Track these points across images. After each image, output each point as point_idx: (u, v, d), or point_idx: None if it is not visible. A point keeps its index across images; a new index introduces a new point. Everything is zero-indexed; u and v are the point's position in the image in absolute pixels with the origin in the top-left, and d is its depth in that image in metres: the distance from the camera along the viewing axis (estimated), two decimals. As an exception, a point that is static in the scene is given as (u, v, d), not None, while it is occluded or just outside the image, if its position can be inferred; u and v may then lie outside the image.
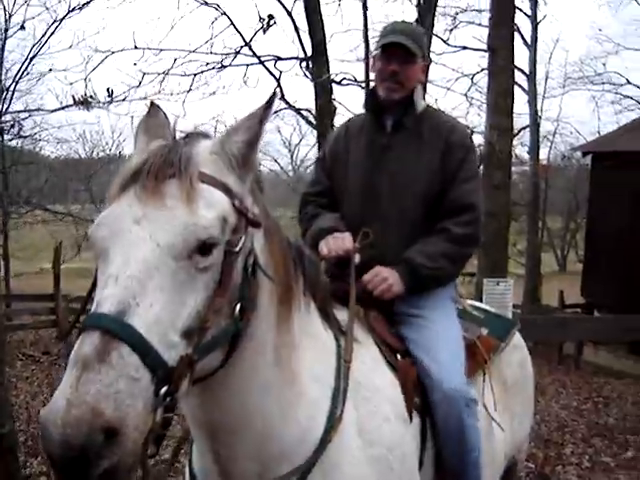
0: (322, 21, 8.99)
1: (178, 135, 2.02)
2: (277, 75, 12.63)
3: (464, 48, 22.96)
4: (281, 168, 55.75)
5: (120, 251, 1.68)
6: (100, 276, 1.71)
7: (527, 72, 25.36)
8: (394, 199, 2.95)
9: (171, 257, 1.69)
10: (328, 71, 7.61)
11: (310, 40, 7.66)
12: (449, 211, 2.92)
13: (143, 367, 1.57)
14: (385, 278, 2.78)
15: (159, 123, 2.05)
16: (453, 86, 29.50)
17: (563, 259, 40.49)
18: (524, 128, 26.17)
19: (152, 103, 2.12)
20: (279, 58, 12.15)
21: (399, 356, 2.70)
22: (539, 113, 26.45)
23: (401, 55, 2.94)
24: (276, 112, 22.13)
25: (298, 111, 16.85)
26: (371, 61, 3.16)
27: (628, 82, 28.83)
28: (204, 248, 1.74)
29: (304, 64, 10.26)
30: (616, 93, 29.82)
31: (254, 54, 12.59)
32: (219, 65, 12.34)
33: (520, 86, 24.11)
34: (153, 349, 1.60)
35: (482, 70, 20.59)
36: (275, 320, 2.10)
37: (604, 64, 30.26)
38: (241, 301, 1.89)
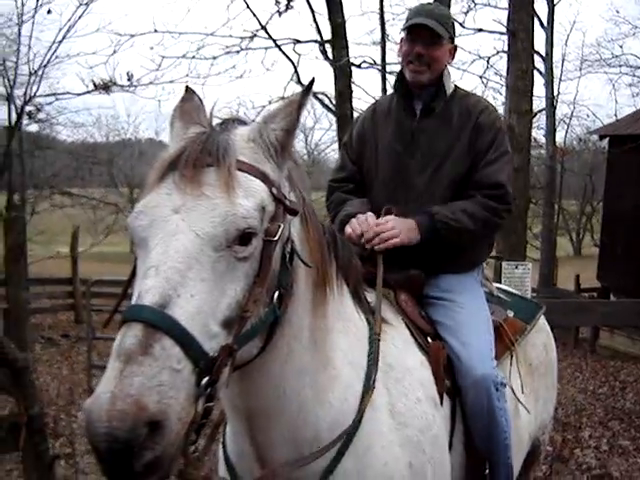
0: (342, 3, 8.96)
1: (214, 121, 2.02)
2: (294, 59, 12.63)
3: (480, 30, 22.81)
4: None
5: (160, 241, 1.68)
6: (140, 265, 1.73)
7: (543, 54, 25.14)
8: (425, 184, 2.96)
9: (211, 247, 1.69)
10: (347, 54, 7.58)
11: (329, 23, 7.62)
12: (475, 187, 2.93)
13: (185, 358, 1.58)
14: (393, 226, 2.75)
15: (194, 108, 2.03)
16: (469, 68, 29.26)
17: (578, 243, 40.31)
18: (540, 111, 25.95)
19: (187, 88, 2.11)
20: (298, 41, 12.10)
21: (429, 339, 2.72)
22: (556, 96, 26.21)
23: (427, 37, 2.92)
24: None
25: (314, 95, 16.84)
26: (399, 44, 3.14)
27: (645, 64, 28.51)
28: (243, 238, 1.74)
29: (322, 47, 10.31)
30: (633, 75, 29.46)
31: (270, 37, 12.55)
32: (237, 49, 12.30)
33: (536, 68, 23.86)
34: (195, 340, 1.61)
35: (498, 53, 20.51)
36: (311, 305, 2.12)
37: (621, 46, 29.89)
38: (279, 289, 1.90)
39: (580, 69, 31.22)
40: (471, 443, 2.71)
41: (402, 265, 2.80)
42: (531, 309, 3.45)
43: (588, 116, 32.63)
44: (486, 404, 2.67)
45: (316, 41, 11.77)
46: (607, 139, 18.19)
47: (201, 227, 1.68)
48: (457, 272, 3.00)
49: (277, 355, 2.00)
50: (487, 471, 2.75)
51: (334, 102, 8.36)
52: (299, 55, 11.94)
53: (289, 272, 1.96)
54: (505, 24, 10.28)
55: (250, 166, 1.84)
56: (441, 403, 2.58)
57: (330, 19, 7.41)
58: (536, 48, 23.34)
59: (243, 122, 2.02)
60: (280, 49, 13.36)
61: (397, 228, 2.75)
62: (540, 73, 24.77)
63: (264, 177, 1.86)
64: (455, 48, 3.09)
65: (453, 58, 3.09)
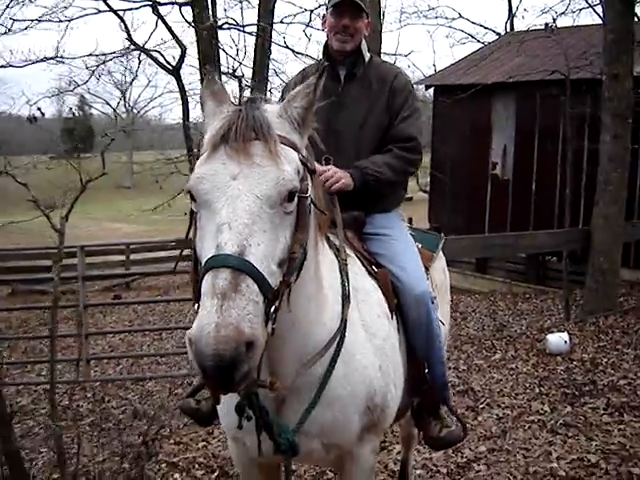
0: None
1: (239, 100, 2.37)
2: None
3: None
4: (114, 110, 54.15)
5: (226, 202, 2.04)
6: (206, 222, 2.09)
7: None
8: (351, 137, 3.39)
9: (268, 206, 2.08)
10: (213, 16, 7.67)
11: None
12: (392, 141, 3.41)
13: (260, 293, 1.97)
14: (336, 171, 3.15)
15: (220, 89, 2.38)
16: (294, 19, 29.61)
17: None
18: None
19: (209, 72, 2.44)
20: (159, 3, 11.93)
21: (374, 267, 3.16)
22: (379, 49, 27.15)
23: (351, 11, 3.37)
24: (123, 54, 21.73)
25: (147, 52, 16.59)
26: (322, 19, 3.58)
27: (460, 16, 30.14)
28: (289, 196, 2.14)
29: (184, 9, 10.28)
30: (450, 27, 31.09)
31: None
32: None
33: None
34: (265, 278, 2.00)
35: (320, 6, 21.02)
36: (314, 243, 2.49)
37: (437, -2, 31.31)
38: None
39: (400, 21, 32.37)
40: (412, 350, 3.17)
41: (344, 208, 3.20)
42: (434, 240, 3.97)
43: (409, 67, 34.14)
44: (425, 315, 3.17)
45: (176, 2, 11.67)
46: (432, 89, 19.20)
47: (259, 190, 2.07)
48: (386, 211, 3.51)
49: (298, 285, 2.32)
50: (427, 370, 3.25)
51: (199, 63, 8.42)
52: (159, 17, 11.85)
53: (310, 219, 2.35)
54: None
55: (284, 138, 2.24)
56: (392, 317, 3.04)
57: None
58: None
59: (264, 100, 2.35)
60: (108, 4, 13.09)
61: (339, 174, 3.14)
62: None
63: (294, 146, 2.27)
64: (369, 22, 3.53)
65: (368, 31, 3.52)
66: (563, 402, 6.35)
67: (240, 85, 23.65)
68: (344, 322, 2.65)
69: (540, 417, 6.01)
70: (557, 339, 8.12)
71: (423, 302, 3.17)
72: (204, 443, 6.12)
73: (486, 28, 32.67)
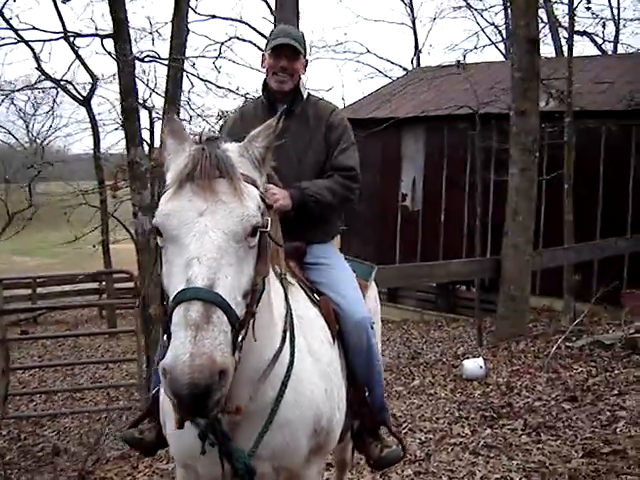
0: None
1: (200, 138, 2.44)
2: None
3: (213, 17, 23.47)
4: (16, 140, 52.56)
5: (193, 238, 2.16)
6: (174, 257, 2.20)
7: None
8: (290, 172, 3.49)
9: (234, 241, 2.21)
10: (131, 48, 7.69)
11: (111, 17, 7.62)
12: (332, 170, 3.57)
13: (229, 323, 2.09)
14: (274, 193, 3.21)
15: (180, 128, 2.50)
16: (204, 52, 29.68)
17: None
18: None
19: (169, 113, 2.57)
20: (78, 35, 11.83)
21: (315, 295, 3.29)
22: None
23: (289, 53, 3.54)
24: (34, 85, 21.35)
25: (58, 82, 16.40)
26: (261, 58, 3.72)
27: (368, 51, 30.93)
28: (253, 231, 2.27)
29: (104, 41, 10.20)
30: (357, 62, 31.85)
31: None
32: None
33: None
34: (233, 310, 2.13)
35: (231, 39, 21.25)
36: (268, 274, 2.59)
37: (345, 34, 32.12)
38: None
39: (310, 54, 32.89)
40: (353, 373, 3.29)
41: (285, 239, 3.31)
42: (367, 269, 4.12)
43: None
44: (365, 340, 3.31)
45: (98, 35, 11.59)
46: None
47: (226, 226, 2.20)
48: (324, 242, 3.66)
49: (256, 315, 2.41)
50: (367, 393, 3.39)
51: (120, 95, 8.39)
52: (77, 47, 11.76)
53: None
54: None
55: (247, 176, 2.40)
56: (334, 343, 3.16)
57: (112, 14, 7.42)
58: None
59: (220, 138, 2.47)
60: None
61: (278, 194, 3.23)
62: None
63: (255, 184, 2.44)
64: (307, 62, 3.71)
65: (306, 70, 3.70)
66: (482, 425, 6.56)
67: (150, 116, 23.60)
68: (292, 348, 2.75)
69: (462, 439, 6.19)
70: (473, 364, 8.39)
71: (363, 327, 3.31)
72: (130, 478, 6.05)
73: (393, 63, 33.61)
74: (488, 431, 6.35)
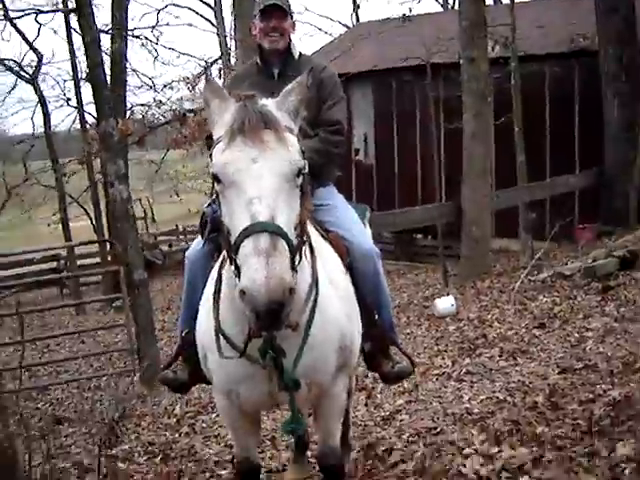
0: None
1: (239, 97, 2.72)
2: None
3: None
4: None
5: (252, 181, 2.47)
6: (235, 199, 2.50)
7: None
8: None
9: (285, 181, 2.53)
10: (95, 23, 7.75)
11: None
12: (322, 125, 3.87)
13: (289, 250, 2.42)
14: None
15: (219, 88, 2.80)
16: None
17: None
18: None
19: (206, 75, 2.84)
20: (40, 11, 11.69)
21: (325, 232, 3.60)
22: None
23: (277, 13, 3.81)
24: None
25: (2, 62, 16.20)
26: (250, 26, 4.00)
27: (306, 9, 30.82)
28: (298, 173, 2.59)
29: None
30: (297, 20, 31.60)
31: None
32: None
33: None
34: (291, 239, 2.46)
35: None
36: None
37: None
38: None
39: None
40: (363, 298, 3.60)
41: None
42: (363, 211, 4.44)
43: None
44: (372, 267, 3.66)
45: (61, 10, 11.49)
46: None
47: (277, 169, 2.51)
48: (325, 185, 3.95)
49: None
50: (377, 316, 3.73)
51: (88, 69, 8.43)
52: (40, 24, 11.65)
53: None
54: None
55: (287, 127, 2.66)
56: (346, 272, 3.50)
57: None
58: None
59: (255, 96, 2.72)
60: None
61: None
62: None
63: (293, 132, 2.69)
64: (294, 23, 3.97)
65: (294, 30, 3.95)
66: (461, 355, 7.01)
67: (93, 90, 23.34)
68: (316, 276, 3.07)
69: (444, 370, 6.63)
70: (444, 302, 8.85)
71: (370, 256, 3.66)
72: (135, 435, 6.35)
73: (332, 20, 33.64)
74: (467, 360, 6.80)
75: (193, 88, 15.35)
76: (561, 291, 8.85)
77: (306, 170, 2.68)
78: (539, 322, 7.62)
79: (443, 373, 6.54)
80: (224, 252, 2.87)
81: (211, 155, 2.64)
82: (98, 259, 20.28)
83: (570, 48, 14.21)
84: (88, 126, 18.67)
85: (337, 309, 3.20)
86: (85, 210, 21.91)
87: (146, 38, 19.47)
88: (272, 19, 3.80)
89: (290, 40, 3.91)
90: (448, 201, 13.33)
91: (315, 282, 3.05)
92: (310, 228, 3.41)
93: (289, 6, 3.89)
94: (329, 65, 4.06)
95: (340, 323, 3.20)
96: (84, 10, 7.47)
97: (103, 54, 9.22)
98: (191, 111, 11.88)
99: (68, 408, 8.24)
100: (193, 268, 3.65)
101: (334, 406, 3.40)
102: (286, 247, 2.41)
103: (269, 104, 2.71)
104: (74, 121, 24.02)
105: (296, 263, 2.52)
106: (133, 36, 21.08)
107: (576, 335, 6.87)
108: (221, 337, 3.02)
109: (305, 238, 2.72)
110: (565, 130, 14.67)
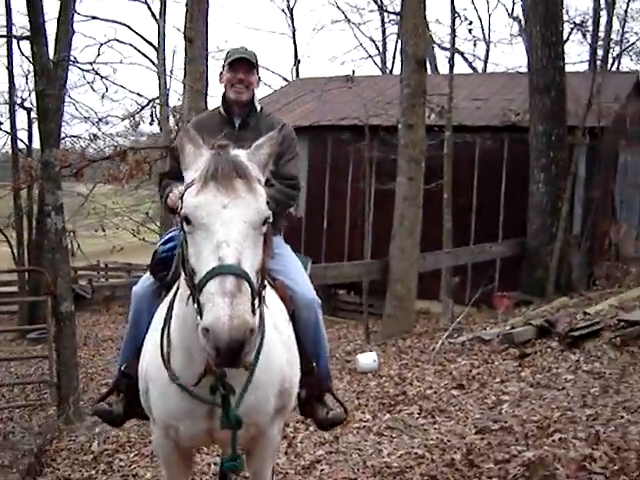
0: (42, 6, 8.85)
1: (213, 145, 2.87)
2: None
3: (94, 18, 23.25)
4: None
5: (221, 226, 2.58)
6: (202, 241, 2.61)
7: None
8: None
9: (252, 228, 2.65)
10: (47, 52, 7.72)
11: (29, 20, 7.61)
12: (279, 177, 3.99)
13: (251, 293, 2.53)
14: None
15: (195, 136, 2.91)
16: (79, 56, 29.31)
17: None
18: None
19: (184, 123, 2.98)
20: None
21: (272, 280, 3.72)
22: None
23: (245, 67, 4.02)
24: None
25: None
26: (219, 75, 4.16)
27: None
28: (264, 221, 2.72)
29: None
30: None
31: None
32: None
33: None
34: (254, 283, 2.57)
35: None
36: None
37: (226, 41, 32.34)
38: None
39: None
40: (303, 347, 3.72)
41: None
42: (305, 261, 4.58)
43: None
44: (314, 317, 3.81)
45: (14, 36, 11.31)
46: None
47: (246, 217, 2.64)
48: (274, 235, 4.02)
49: None
50: (314, 364, 3.84)
51: (37, 96, 8.34)
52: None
53: None
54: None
55: (256, 178, 2.81)
56: (289, 320, 3.64)
57: (30, 16, 7.40)
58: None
59: (228, 145, 2.87)
60: None
61: None
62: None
63: (261, 183, 2.85)
64: (259, 79, 4.18)
65: (258, 85, 4.17)
66: (382, 410, 7.13)
67: (29, 116, 23.12)
68: (263, 320, 3.14)
69: (365, 423, 6.73)
70: (366, 358, 8.99)
71: (313, 307, 3.81)
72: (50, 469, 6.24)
73: (273, 72, 34.15)
74: (388, 416, 6.93)
75: (137, 126, 15.37)
76: (479, 355, 9.10)
77: (270, 220, 2.80)
78: (457, 383, 7.82)
79: (363, 426, 6.64)
80: (179, 290, 2.99)
81: (182, 197, 2.76)
82: (15, 288, 19.84)
83: (502, 122, 14.85)
84: (19, 153, 18.39)
85: (280, 354, 3.33)
86: (6, 237, 21.40)
87: (95, 70, 19.32)
88: (240, 72, 4.00)
89: (254, 94, 4.09)
90: (373, 259, 13.62)
91: (261, 326, 3.13)
92: None
93: (256, 62, 4.09)
94: (287, 123, 4.21)
95: (282, 367, 3.32)
96: (39, 38, 7.48)
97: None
98: (132, 149, 11.89)
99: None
100: (140, 303, 3.72)
101: (269, 448, 3.49)
102: (249, 290, 2.52)
103: (241, 155, 2.85)
104: (3, 145, 23.67)
105: (256, 306, 2.61)
106: (82, 69, 21.05)
107: (493, 398, 7.09)
108: (168, 371, 3.11)
109: (265, 283, 2.82)
110: (491, 199, 15.25)
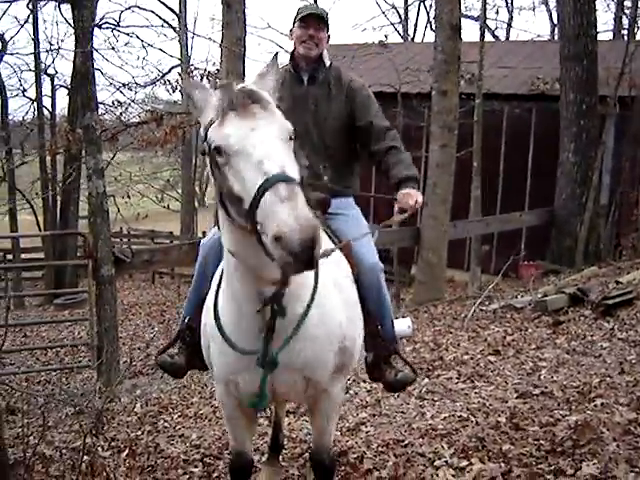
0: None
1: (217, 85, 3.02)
2: None
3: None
4: None
5: (257, 145, 2.62)
6: (242, 164, 2.62)
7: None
8: (317, 134, 4.08)
9: (284, 141, 2.70)
10: (90, 15, 7.78)
11: None
12: (377, 133, 4.11)
13: (302, 192, 2.53)
14: (413, 195, 3.86)
15: (200, 83, 3.14)
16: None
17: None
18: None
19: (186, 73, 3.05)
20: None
21: (338, 240, 3.79)
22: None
23: (315, 24, 4.07)
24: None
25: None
26: (289, 33, 4.22)
27: (269, 26, 31.06)
28: (289, 136, 2.76)
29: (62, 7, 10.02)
30: (259, 36, 31.82)
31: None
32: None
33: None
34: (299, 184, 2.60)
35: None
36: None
37: (247, 7, 32.10)
38: None
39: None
40: (367, 309, 3.81)
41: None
42: (373, 229, 4.64)
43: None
44: (377, 280, 3.88)
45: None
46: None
47: (274, 134, 2.69)
48: (345, 196, 4.18)
49: None
50: (379, 326, 3.93)
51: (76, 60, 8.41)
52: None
53: None
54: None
55: (269, 100, 2.86)
56: (353, 281, 3.70)
57: None
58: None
59: (231, 83, 2.92)
60: None
61: (414, 195, 3.89)
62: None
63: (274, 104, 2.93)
64: (329, 37, 4.21)
65: (328, 43, 4.20)
66: (420, 375, 7.20)
67: (52, 82, 23.19)
68: (316, 276, 3.21)
69: (405, 387, 6.83)
70: (401, 323, 9.03)
71: (376, 270, 3.88)
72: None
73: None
74: (426, 380, 7.02)
75: (174, 90, 15.39)
76: (512, 322, 9.18)
77: (294, 135, 2.86)
78: (493, 349, 7.90)
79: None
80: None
81: (206, 135, 2.79)
82: (41, 254, 20.07)
83: (530, 90, 14.77)
84: (59, 119, 18.49)
85: (338, 310, 3.36)
86: (31, 205, 21.56)
87: (133, 33, 19.34)
88: (310, 28, 4.06)
89: (324, 50, 4.14)
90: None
91: (315, 279, 3.20)
92: (323, 234, 3.61)
93: (327, 18, 4.13)
94: (357, 77, 4.28)
95: (340, 324, 3.35)
96: (81, 3, 7.52)
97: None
98: (170, 113, 11.94)
99: (19, 399, 8.16)
100: (206, 256, 3.80)
101: (331, 406, 3.54)
102: (300, 191, 2.53)
103: (249, 84, 2.93)
104: (27, 112, 23.74)
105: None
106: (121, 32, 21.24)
107: (530, 364, 7.16)
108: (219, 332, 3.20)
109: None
110: (518, 168, 15.21)
